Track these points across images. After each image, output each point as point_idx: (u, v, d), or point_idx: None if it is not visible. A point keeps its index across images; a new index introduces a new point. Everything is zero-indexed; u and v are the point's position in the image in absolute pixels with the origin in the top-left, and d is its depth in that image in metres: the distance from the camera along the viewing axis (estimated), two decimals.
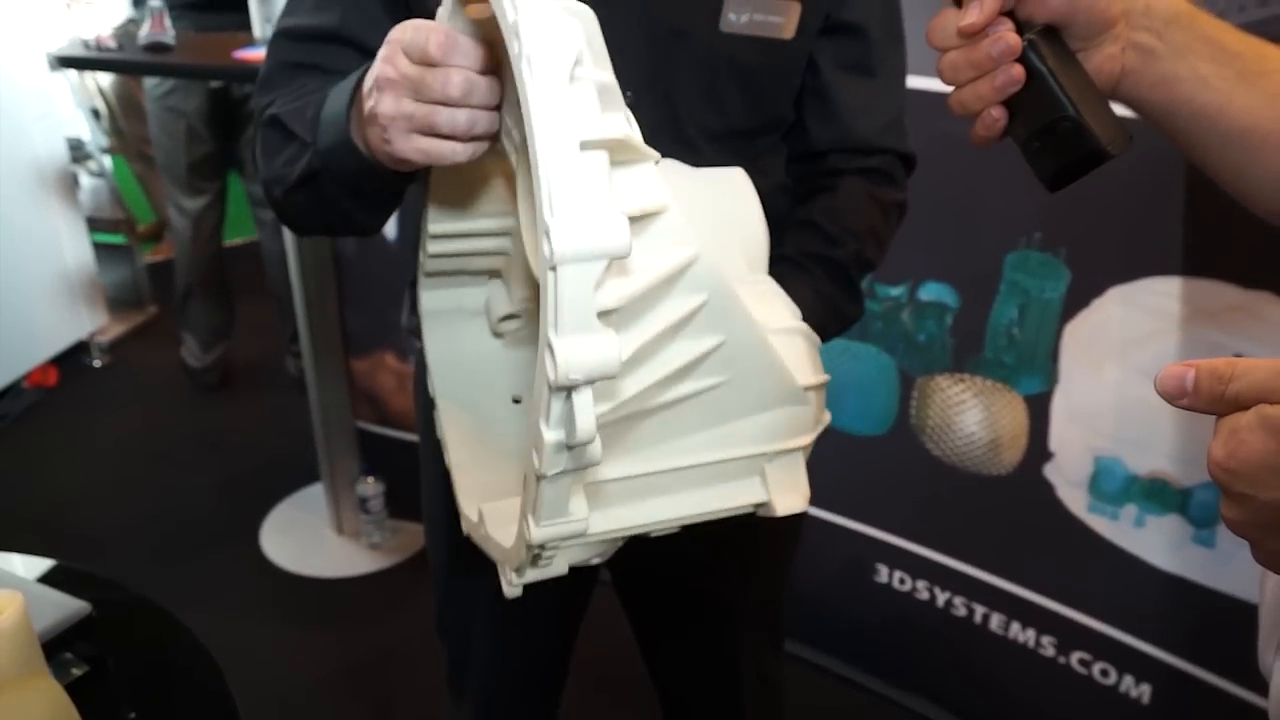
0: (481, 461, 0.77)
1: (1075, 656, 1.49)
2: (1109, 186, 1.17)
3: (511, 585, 0.61)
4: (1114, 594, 1.42)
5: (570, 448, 0.48)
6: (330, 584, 2.09)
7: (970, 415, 1.47)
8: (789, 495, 0.63)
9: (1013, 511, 1.49)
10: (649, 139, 0.52)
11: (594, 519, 0.56)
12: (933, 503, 1.58)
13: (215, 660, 0.89)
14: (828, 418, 0.67)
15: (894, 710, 1.72)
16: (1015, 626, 1.55)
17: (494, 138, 0.61)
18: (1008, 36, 0.60)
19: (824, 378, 0.65)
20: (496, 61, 0.58)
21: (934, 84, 1.09)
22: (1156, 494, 1.32)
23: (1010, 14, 0.62)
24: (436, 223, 0.74)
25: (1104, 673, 1.47)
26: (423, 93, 0.58)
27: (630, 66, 0.78)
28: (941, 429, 1.51)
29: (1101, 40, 0.62)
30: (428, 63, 0.57)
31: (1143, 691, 1.43)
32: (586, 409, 0.47)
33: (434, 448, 0.99)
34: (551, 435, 0.48)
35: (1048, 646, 1.52)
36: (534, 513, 0.52)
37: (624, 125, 0.48)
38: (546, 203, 0.43)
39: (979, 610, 1.59)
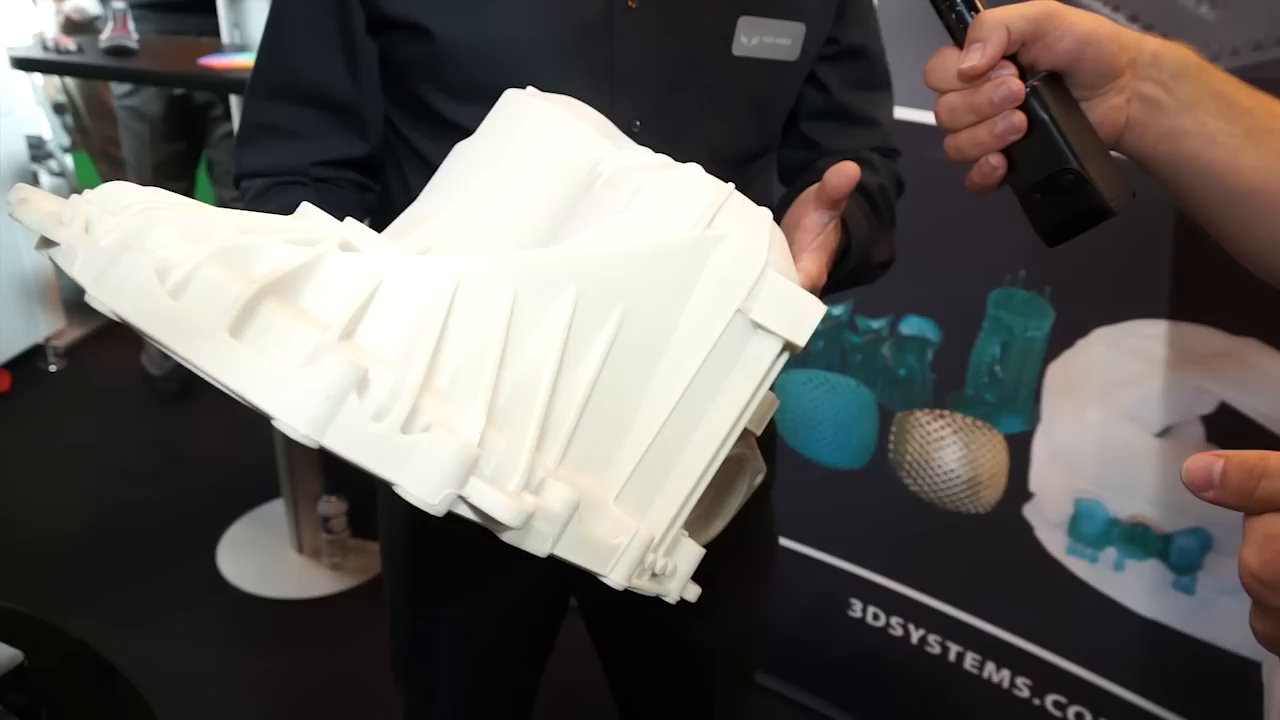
0: None
1: (1050, 699, 1.47)
2: (1098, 227, 1.15)
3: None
4: (1091, 637, 1.40)
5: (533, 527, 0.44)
6: (289, 605, 2.02)
7: (950, 452, 1.44)
8: (797, 320, 0.53)
9: (990, 550, 1.46)
10: None
11: (655, 515, 0.52)
12: (909, 539, 1.55)
13: (153, 712, 0.84)
14: (764, 218, 0.55)
15: None
16: (990, 666, 1.52)
17: None
18: (1010, 82, 0.57)
19: (721, 192, 0.54)
20: None
21: (922, 115, 1.06)
22: (1137, 538, 1.30)
23: (1013, 58, 0.59)
24: None
25: (1079, 716, 1.44)
26: None
27: (641, 97, 0.75)
28: (920, 465, 1.48)
29: (1107, 90, 0.59)
30: None
31: None
32: (487, 497, 0.42)
33: None
34: (511, 535, 0.44)
35: (1022, 688, 1.49)
36: (595, 571, 0.49)
37: (268, 261, 0.43)
38: (257, 410, 0.39)
39: (953, 649, 1.56)
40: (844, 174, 0.62)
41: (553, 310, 0.48)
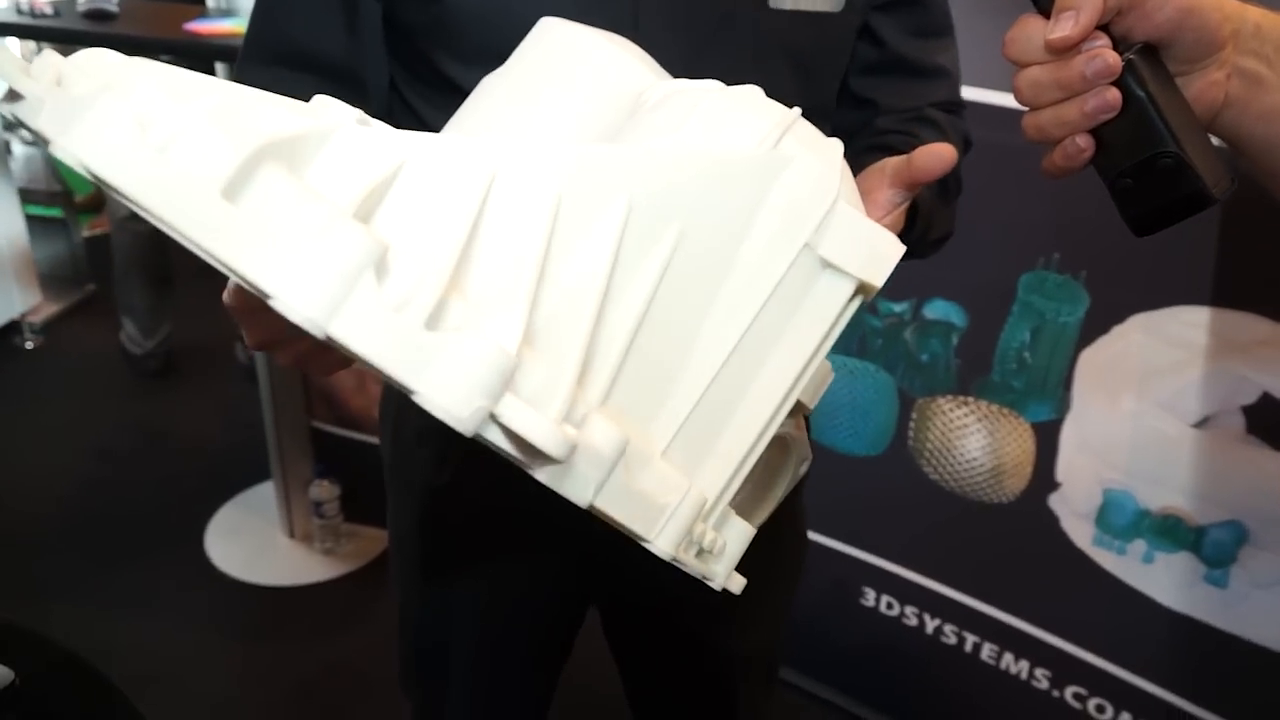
0: None
1: (1070, 690, 1.44)
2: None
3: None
4: (1115, 629, 1.37)
5: (572, 461, 0.38)
6: (280, 592, 1.96)
7: (973, 440, 1.40)
8: (872, 260, 0.46)
9: (1011, 540, 1.42)
10: None
11: (708, 474, 0.45)
12: (925, 527, 1.51)
13: None
14: (836, 149, 0.50)
15: None
16: (1008, 657, 1.49)
17: None
18: (1106, 54, 0.51)
19: (787, 116, 0.48)
20: None
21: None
22: (1169, 531, 1.26)
23: (1104, 28, 0.53)
24: None
25: (1100, 708, 1.41)
26: (288, 343, 0.56)
27: (668, 58, 0.69)
28: (941, 453, 1.44)
29: (1206, 64, 0.53)
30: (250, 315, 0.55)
31: None
32: (526, 418, 0.35)
33: (407, 466, 0.89)
34: (543, 474, 0.38)
35: (1041, 679, 1.46)
36: (639, 534, 0.42)
37: (266, 123, 0.36)
38: (251, 288, 0.33)
39: (970, 639, 1.53)
40: (938, 157, 0.56)
41: (602, 219, 0.41)
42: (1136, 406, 1.24)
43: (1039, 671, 1.46)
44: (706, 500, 0.45)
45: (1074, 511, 1.34)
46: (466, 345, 0.34)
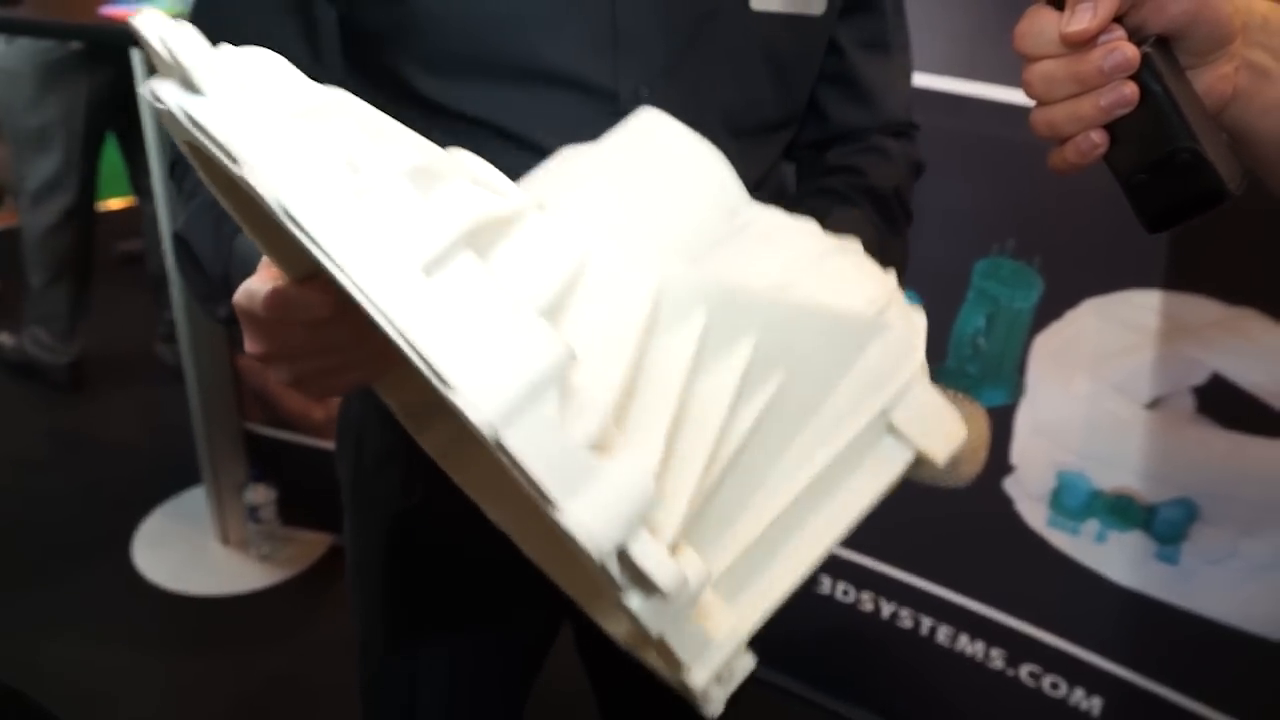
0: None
1: (1025, 669, 1.46)
2: (1089, 194, 1.11)
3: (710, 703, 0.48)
4: (1068, 608, 1.39)
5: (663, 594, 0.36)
6: (216, 602, 1.88)
7: None
8: (937, 436, 0.48)
9: (966, 524, 1.44)
10: None
11: (741, 609, 0.45)
12: (880, 513, 1.50)
13: None
14: (922, 321, 0.52)
15: None
16: (963, 639, 1.51)
17: None
18: (1124, 48, 0.50)
19: (890, 284, 0.51)
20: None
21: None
22: (1121, 510, 1.29)
23: (1118, 21, 0.52)
24: None
25: (1054, 685, 1.44)
26: (300, 360, 0.49)
27: (649, 60, 0.66)
28: None
29: (1217, 57, 0.52)
30: (275, 325, 0.47)
31: (1093, 705, 1.41)
32: (653, 554, 0.34)
33: (370, 486, 0.85)
34: (636, 601, 0.36)
35: (996, 659, 1.48)
36: (679, 665, 0.41)
37: (467, 200, 0.34)
38: (431, 375, 0.31)
39: (925, 622, 1.54)
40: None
41: (731, 355, 0.42)
42: (1090, 389, 1.26)
43: (994, 651, 1.48)
44: (746, 634, 0.45)
45: (1028, 494, 1.36)
46: (623, 475, 0.33)
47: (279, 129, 0.31)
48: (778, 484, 0.46)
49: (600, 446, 0.33)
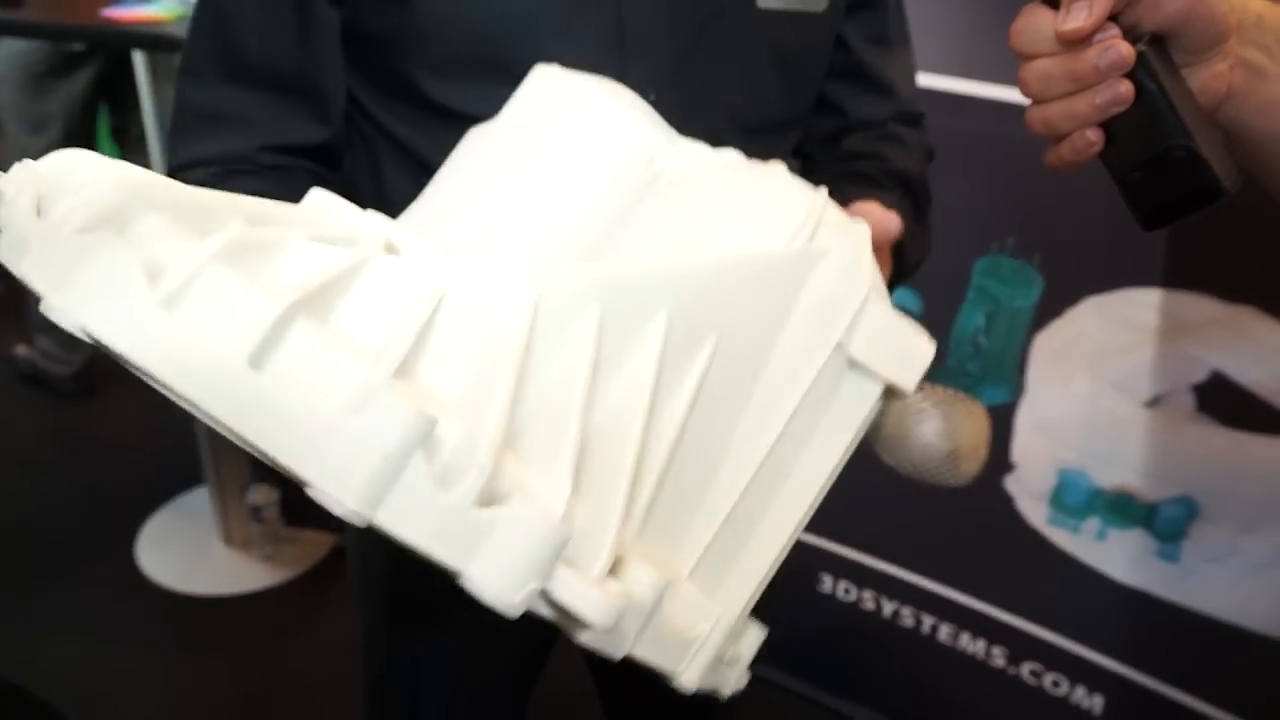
0: None
1: (1026, 667, 1.46)
2: (1089, 192, 1.11)
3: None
4: (1069, 606, 1.39)
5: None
6: (219, 602, 1.88)
7: (929, 425, 1.40)
8: (903, 361, 0.44)
9: (966, 522, 1.44)
10: None
11: (727, 594, 0.43)
12: (881, 511, 1.52)
13: None
14: (864, 231, 0.46)
15: None
16: (965, 637, 1.51)
17: None
18: (1119, 45, 0.50)
19: (819, 200, 0.45)
20: None
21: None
22: (1121, 508, 1.29)
23: (1113, 19, 0.52)
24: None
25: (1055, 684, 1.44)
26: None
27: (656, 60, 0.66)
28: (897, 438, 1.44)
29: (1211, 56, 0.53)
30: None
31: (1095, 703, 1.41)
32: (577, 592, 0.33)
33: None
34: (586, 636, 0.36)
35: (998, 657, 1.49)
36: (666, 671, 0.40)
37: (296, 267, 0.32)
38: (287, 472, 0.30)
39: (927, 620, 1.54)
40: (884, 231, 0.54)
41: (642, 342, 0.38)
42: (1090, 387, 1.26)
43: (995, 650, 1.49)
44: (732, 620, 0.43)
45: (1029, 492, 1.36)
46: (520, 521, 0.31)
47: (77, 251, 0.29)
48: (739, 456, 0.43)
49: (489, 499, 0.31)
